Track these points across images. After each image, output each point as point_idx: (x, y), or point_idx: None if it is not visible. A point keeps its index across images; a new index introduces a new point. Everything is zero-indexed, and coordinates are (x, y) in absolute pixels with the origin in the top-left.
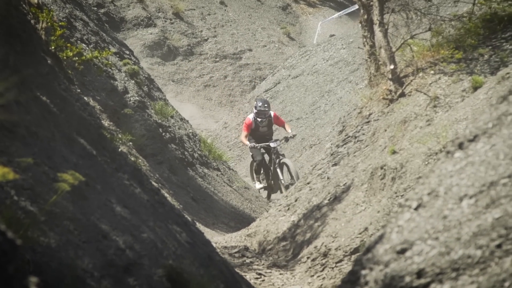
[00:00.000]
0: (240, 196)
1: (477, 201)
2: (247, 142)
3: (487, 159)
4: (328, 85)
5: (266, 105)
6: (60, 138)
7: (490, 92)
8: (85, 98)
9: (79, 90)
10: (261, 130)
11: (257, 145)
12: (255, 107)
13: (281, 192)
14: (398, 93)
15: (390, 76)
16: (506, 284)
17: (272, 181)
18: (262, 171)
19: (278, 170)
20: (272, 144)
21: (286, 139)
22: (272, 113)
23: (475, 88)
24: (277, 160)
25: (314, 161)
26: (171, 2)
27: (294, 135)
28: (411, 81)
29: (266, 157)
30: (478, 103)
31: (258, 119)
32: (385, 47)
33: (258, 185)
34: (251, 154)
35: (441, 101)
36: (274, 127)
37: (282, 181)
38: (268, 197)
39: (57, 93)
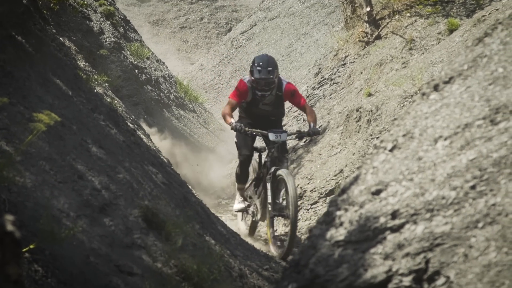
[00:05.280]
0: (216, 138)
1: (452, 142)
2: (230, 119)
3: (462, 101)
4: (304, 27)
5: (270, 68)
6: (36, 78)
7: (466, 34)
8: (61, 38)
9: (54, 31)
10: (261, 107)
11: (246, 128)
12: (252, 72)
13: (263, 220)
14: (374, 35)
15: (366, 19)
16: (480, 224)
17: (259, 203)
18: (249, 179)
19: (269, 186)
20: (272, 136)
21: (300, 135)
22: (284, 82)
23: (451, 31)
24: (272, 169)
25: (290, 104)
26: None
27: (315, 132)
28: (387, 23)
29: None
30: (454, 45)
31: (257, 92)
32: None
33: (237, 204)
34: (235, 142)
35: (417, 44)
36: (288, 105)
37: (269, 207)
38: (250, 231)
39: (32, 33)
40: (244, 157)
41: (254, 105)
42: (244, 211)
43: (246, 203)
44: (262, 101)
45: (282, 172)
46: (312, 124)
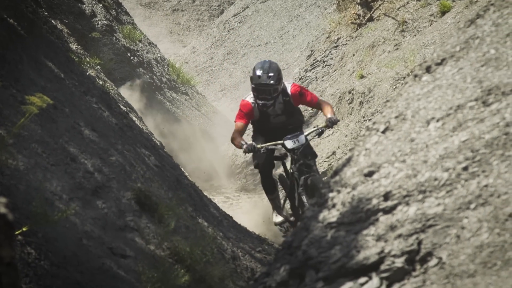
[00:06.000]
0: (209, 120)
1: (444, 124)
2: (241, 141)
3: (455, 82)
4: (297, 9)
5: (271, 74)
6: (28, 61)
7: (458, 16)
8: (53, 21)
9: (46, 13)
10: (274, 121)
11: (259, 145)
12: (251, 79)
13: None
14: (366, 17)
15: (358, 1)
16: (472, 206)
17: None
18: (279, 190)
19: (305, 199)
20: (289, 143)
21: (320, 131)
22: (288, 85)
23: (443, 13)
24: (302, 180)
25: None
26: None
27: (334, 122)
28: (380, 5)
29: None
30: (446, 27)
31: (258, 101)
32: None
33: (275, 218)
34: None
35: (409, 26)
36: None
37: None
38: None
39: (24, 15)
40: (262, 167)
41: (266, 121)
42: (285, 223)
43: (284, 215)
44: (272, 114)
45: (313, 180)
46: (329, 115)
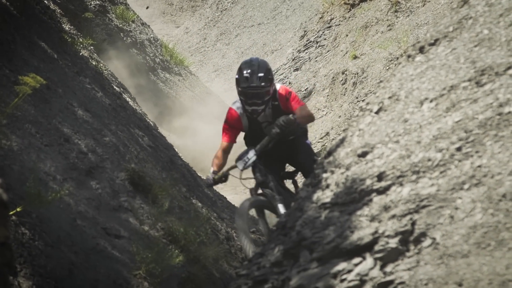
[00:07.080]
0: (202, 100)
1: (438, 104)
2: (210, 172)
3: (448, 63)
4: None
5: (261, 74)
6: (21, 42)
7: None
8: (45, 1)
9: None
10: (267, 132)
11: (215, 177)
12: (237, 82)
13: None
14: None
15: None
16: (466, 186)
17: None
18: None
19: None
20: (240, 165)
21: (270, 140)
22: (277, 87)
23: None
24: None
25: (276, 67)
26: None
27: (281, 125)
28: None
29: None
30: (439, 7)
31: (247, 107)
32: None
33: None
34: None
35: (402, 6)
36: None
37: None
38: None
39: None
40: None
41: (257, 131)
42: None
43: None
44: (262, 120)
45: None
46: (283, 117)
